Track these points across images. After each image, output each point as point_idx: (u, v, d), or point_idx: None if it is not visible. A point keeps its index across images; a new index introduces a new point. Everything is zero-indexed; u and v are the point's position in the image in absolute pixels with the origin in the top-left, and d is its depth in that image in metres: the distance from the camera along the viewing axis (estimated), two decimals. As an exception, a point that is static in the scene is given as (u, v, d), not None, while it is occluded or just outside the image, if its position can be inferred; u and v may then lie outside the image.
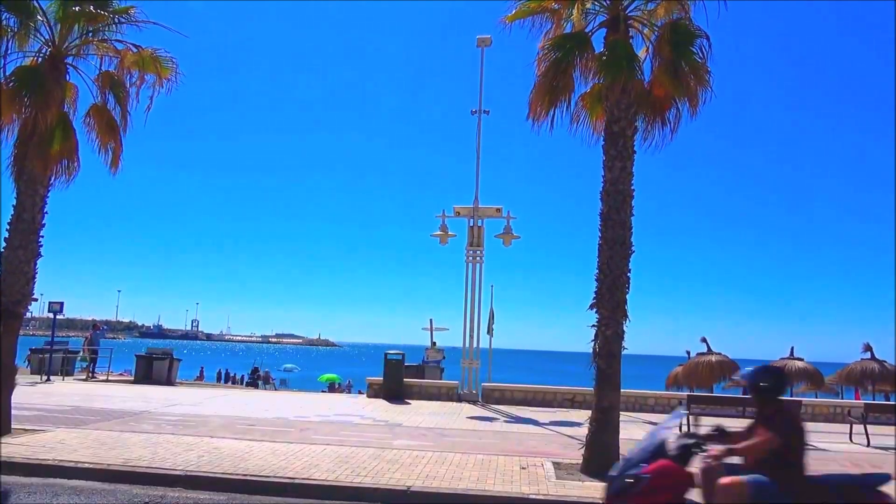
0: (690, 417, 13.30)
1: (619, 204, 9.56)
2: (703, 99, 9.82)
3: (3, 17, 10.52)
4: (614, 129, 9.70)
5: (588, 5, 10.36)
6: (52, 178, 11.04)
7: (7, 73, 10.56)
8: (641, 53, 10.27)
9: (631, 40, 10.10)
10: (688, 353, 25.31)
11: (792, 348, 25.13)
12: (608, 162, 9.69)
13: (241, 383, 41.78)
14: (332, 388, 38.11)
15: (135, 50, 11.19)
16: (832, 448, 12.33)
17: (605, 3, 10.29)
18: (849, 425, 13.83)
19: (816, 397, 22.73)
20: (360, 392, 27.76)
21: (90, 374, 23.48)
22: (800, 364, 24.25)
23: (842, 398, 24.85)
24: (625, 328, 9.50)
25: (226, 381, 42.12)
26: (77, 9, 10.70)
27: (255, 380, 40.70)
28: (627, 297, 9.52)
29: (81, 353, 25.73)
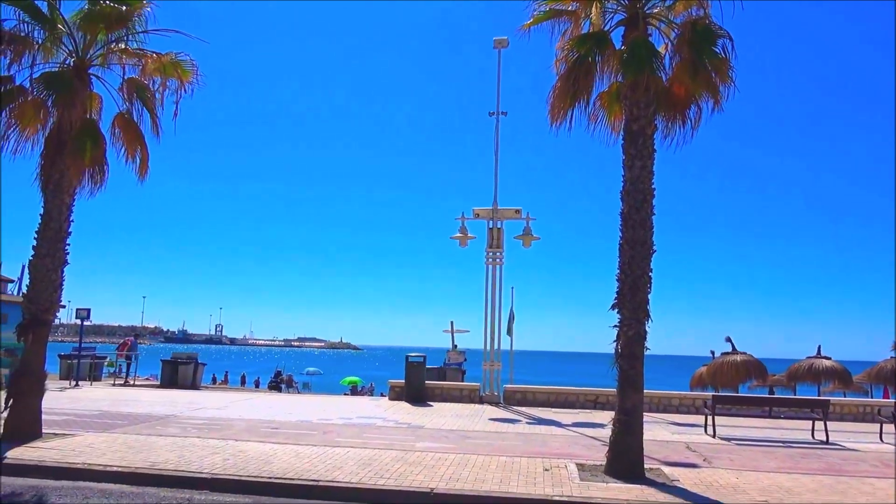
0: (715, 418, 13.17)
1: (640, 203, 9.49)
2: (725, 95, 9.74)
3: (28, 29, 10.73)
4: (634, 128, 9.63)
5: (606, 4, 10.32)
6: (80, 187, 11.24)
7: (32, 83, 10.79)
8: (661, 50, 10.20)
9: (649, 38, 10.04)
10: (712, 353, 25.07)
11: (819, 347, 24.80)
12: (628, 161, 9.63)
13: (255, 385, 42.07)
14: (354, 390, 38.28)
15: (155, 57, 11.35)
16: (862, 448, 12.12)
17: (623, 2, 10.22)
18: (879, 424, 13.60)
19: (845, 396, 22.37)
20: (382, 395, 27.88)
21: (126, 380, 23.99)
22: (827, 363, 23.90)
23: (871, 397, 24.48)
24: (647, 328, 9.42)
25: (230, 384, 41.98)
26: (86, 7, 10.82)
27: (279, 383, 40.97)
28: (649, 297, 9.45)
29: (110, 359, 26.24)
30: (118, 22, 11.09)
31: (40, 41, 10.90)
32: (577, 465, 9.62)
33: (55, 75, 10.83)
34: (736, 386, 23.38)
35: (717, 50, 9.50)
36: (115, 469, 8.61)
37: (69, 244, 11.04)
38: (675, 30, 10.13)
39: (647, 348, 9.47)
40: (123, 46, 11.47)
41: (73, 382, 21.32)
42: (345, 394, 34.07)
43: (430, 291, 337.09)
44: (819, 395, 21.57)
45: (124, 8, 11.00)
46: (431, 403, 17.43)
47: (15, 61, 10.76)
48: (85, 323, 23.84)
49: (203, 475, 8.42)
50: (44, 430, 10.70)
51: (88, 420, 12.80)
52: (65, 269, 10.99)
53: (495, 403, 17.62)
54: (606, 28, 10.31)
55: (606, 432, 10.14)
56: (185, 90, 11.43)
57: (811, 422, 13.33)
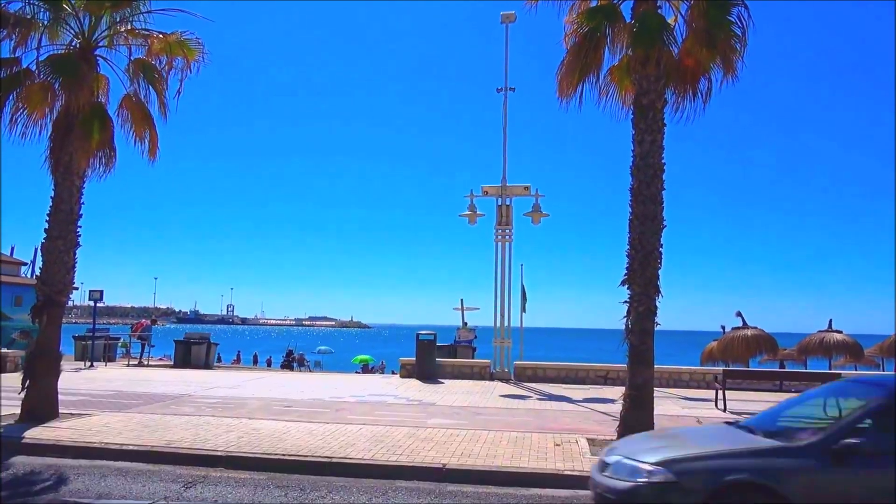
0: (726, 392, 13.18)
1: (650, 178, 9.42)
2: (738, 66, 9.60)
3: (33, 11, 10.68)
4: (643, 102, 9.52)
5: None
6: (90, 170, 11.26)
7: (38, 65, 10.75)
8: (670, 22, 10.04)
9: (659, 10, 9.88)
10: (723, 327, 25.00)
11: (830, 321, 24.68)
12: (638, 136, 9.53)
13: (267, 364, 42.45)
14: (365, 369, 38.55)
15: (161, 36, 11.29)
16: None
17: (632, -27, 10.05)
18: (890, 398, 13.55)
19: (856, 370, 22.32)
20: (393, 372, 28.06)
21: (140, 360, 24.24)
22: (838, 336, 23.79)
23: (882, 370, 24.39)
24: (657, 304, 9.41)
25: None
26: None
27: (290, 362, 41.30)
28: (659, 272, 9.42)
29: (123, 340, 26.55)
30: (122, 0, 11.02)
31: (46, 23, 10.85)
32: (587, 440, 9.67)
33: (61, 58, 10.79)
34: (746, 360, 23.32)
35: (732, 19, 9.35)
36: (131, 448, 8.73)
37: (81, 226, 11.11)
38: (687, 2, 9.98)
39: (658, 324, 9.47)
40: (129, 27, 11.41)
41: (88, 363, 21.57)
42: (356, 372, 34.31)
43: (439, 269, 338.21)
44: (830, 369, 21.52)
45: None
46: (442, 381, 17.53)
47: (20, 44, 10.73)
48: (98, 304, 24.08)
49: (218, 453, 8.53)
50: (60, 411, 10.85)
51: (104, 400, 12.97)
52: (77, 251, 11.07)
53: (506, 380, 17.71)
54: (615, 0, 10.16)
55: (617, 407, 10.19)
56: (190, 69, 11.40)
57: (822, 395, 13.28)
